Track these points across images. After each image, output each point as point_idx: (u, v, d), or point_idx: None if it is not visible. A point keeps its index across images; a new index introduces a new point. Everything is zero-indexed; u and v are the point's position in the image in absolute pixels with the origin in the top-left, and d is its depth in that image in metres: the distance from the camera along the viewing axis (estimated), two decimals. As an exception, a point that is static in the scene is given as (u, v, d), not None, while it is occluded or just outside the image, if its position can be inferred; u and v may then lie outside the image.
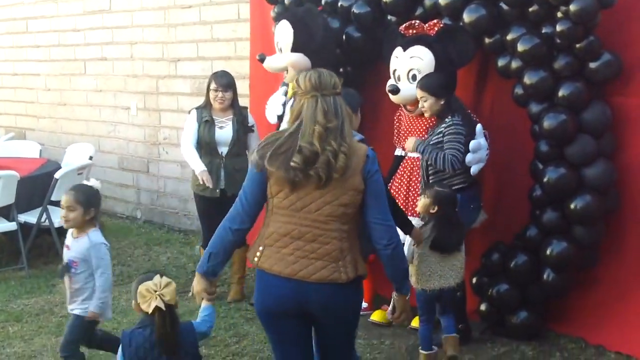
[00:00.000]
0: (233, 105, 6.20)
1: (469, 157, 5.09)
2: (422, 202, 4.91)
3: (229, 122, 6.15)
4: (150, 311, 3.56)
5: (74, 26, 9.88)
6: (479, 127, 5.23)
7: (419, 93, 5.21)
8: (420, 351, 4.96)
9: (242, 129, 6.17)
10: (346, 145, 3.37)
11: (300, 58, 5.89)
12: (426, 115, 5.30)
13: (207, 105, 6.18)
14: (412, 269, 4.81)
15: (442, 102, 5.15)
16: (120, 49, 9.30)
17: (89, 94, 9.82)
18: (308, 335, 3.62)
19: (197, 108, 6.25)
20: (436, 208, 4.85)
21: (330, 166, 3.34)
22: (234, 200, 3.65)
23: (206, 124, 6.09)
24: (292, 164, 3.35)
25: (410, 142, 5.33)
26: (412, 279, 4.81)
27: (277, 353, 3.67)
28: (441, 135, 5.12)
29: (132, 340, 3.66)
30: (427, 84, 5.20)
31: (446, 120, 5.13)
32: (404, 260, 3.66)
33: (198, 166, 6.05)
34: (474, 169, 5.17)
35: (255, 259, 3.49)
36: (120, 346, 3.71)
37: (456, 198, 4.94)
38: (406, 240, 4.76)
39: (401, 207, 4.97)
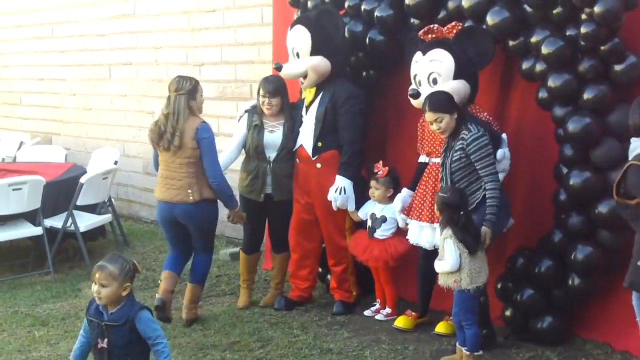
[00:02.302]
0: (283, 109, 6.12)
1: None
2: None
3: (280, 126, 6.07)
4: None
5: (99, 31, 9.96)
6: (504, 136, 5.20)
7: (432, 116, 5.05)
8: (474, 353, 4.95)
9: (292, 134, 6.07)
10: (180, 127, 5.59)
11: (320, 60, 5.89)
12: (444, 136, 5.14)
13: (258, 108, 6.11)
14: (463, 273, 4.85)
15: (455, 116, 5.04)
16: (144, 54, 9.35)
17: (114, 99, 9.89)
18: (184, 234, 5.90)
19: (248, 111, 6.17)
20: (439, 212, 4.96)
21: (171, 140, 5.59)
22: (280, 206, 6.10)
23: (255, 128, 6.04)
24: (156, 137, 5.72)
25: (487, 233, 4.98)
26: (464, 282, 4.86)
27: (170, 246, 6.18)
28: (462, 152, 5.01)
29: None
30: (437, 103, 5.06)
31: (463, 134, 5.01)
32: (225, 189, 5.75)
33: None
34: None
35: (156, 193, 5.84)
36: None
37: (457, 200, 4.88)
38: (446, 243, 4.83)
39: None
